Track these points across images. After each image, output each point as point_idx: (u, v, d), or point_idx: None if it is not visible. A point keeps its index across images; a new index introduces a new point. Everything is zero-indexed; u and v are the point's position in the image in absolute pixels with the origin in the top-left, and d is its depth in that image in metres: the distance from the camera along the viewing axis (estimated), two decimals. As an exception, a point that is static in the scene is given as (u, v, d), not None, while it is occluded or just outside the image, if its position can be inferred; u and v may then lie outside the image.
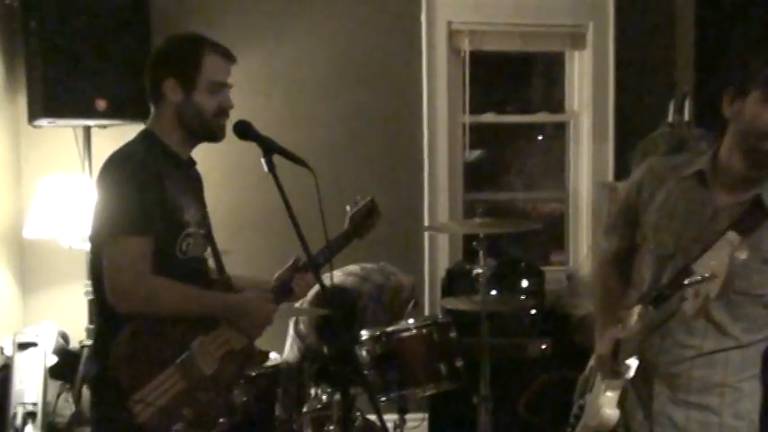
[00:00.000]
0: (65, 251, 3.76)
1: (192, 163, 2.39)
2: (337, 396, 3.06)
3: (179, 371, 2.12)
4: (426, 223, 4.46)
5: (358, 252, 2.88)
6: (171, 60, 2.26)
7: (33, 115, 3.67)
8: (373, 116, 4.41)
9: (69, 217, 3.71)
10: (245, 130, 2.19)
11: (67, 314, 3.99)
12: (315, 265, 2.25)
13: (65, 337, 4.01)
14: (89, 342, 3.75)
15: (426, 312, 4.35)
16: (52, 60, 3.55)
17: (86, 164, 3.83)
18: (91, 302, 3.77)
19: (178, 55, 2.26)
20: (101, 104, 3.60)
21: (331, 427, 3.07)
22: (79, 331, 3.85)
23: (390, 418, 3.28)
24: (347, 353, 2.88)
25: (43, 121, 3.65)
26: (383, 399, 3.10)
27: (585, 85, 4.66)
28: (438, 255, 4.52)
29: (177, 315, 2.16)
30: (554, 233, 4.92)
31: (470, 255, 3.80)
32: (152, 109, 2.31)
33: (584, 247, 4.73)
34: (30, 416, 3.63)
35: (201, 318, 2.20)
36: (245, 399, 3.10)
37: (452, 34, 4.48)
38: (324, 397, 3.19)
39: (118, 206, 2.13)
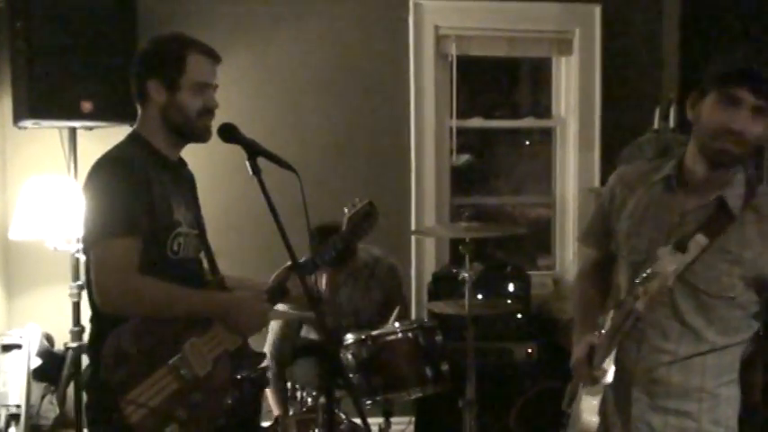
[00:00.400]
0: (50, 253, 3.74)
1: (183, 163, 2.40)
2: (322, 399, 3.05)
3: (171, 372, 2.12)
4: (413, 227, 4.47)
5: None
6: (154, 61, 2.26)
7: (18, 116, 3.65)
8: (361, 120, 4.42)
9: (54, 218, 3.69)
10: (229, 133, 2.20)
11: (52, 316, 3.98)
12: (300, 267, 2.25)
13: (49, 339, 3.99)
14: (74, 344, 3.74)
15: (413, 316, 4.35)
16: (38, 61, 3.53)
17: (72, 165, 3.81)
18: (75, 305, 3.76)
19: (162, 55, 2.26)
20: (86, 106, 3.58)
21: (316, 431, 3.06)
22: (64, 333, 3.83)
23: (376, 422, 3.28)
24: (332, 356, 2.87)
25: (28, 123, 3.63)
26: (368, 402, 3.09)
27: (572, 91, 4.68)
28: (425, 259, 4.53)
29: (164, 315, 2.15)
30: (541, 238, 4.94)
31: (457, 259, 3.80)
32: (138, 110, 2.32)
33: (570, 252, 4.75)
34: (13, 418, 3.61)
35: (194, 318, 2.20)
36: (229, 402, 3.09)
37: (440, 39, 4.49)
38: (309, 400, 3.19)
39: (103, 209, 2.14)
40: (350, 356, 3.11)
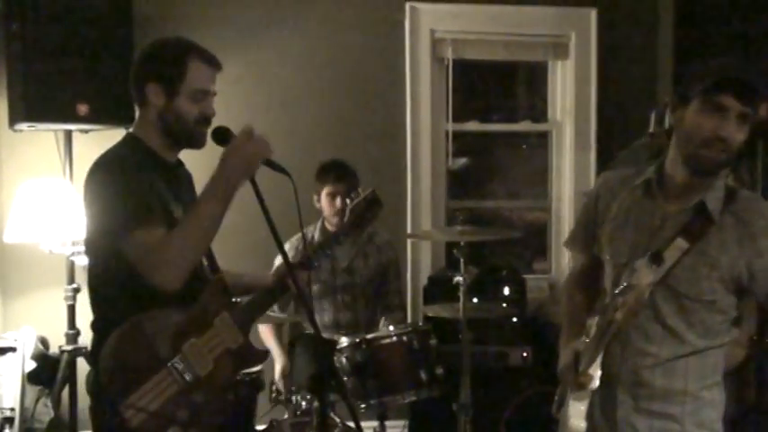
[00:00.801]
0: (45, 256, 3.74)
1: (180, 164, 2.39)
2: (316, 403, 3.05)
3: (171, 374, 2.11)
4: (409, 230, 4.47)
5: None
6: (155, 65, 2.25)
7: (14, 119, 3.65)
8: (357, 124, 4.42)
9: (50, 221, 3.68)
10: (223, 136, 2.19)
11: (47, 319, 3.97)
12: (298, 265, 2.29)
13: (44, 342, 3.99)
14: (69, 347, 3.73)
15: (408, 320, 4.35)
16: (34, 64, 3.53)
17: (67, 168, 3.81)
18: (71, 307, 3.75)
19: (163, 60, 2.25)
20: (82, 109, 3.58)
21: (310, 434, 3.06)
22: (59, 336, 3.82)
23: (371, 426, 3.28)
24: (326, 360, 2.87)
25: (24, 125, 3.63)
26: (363, 406, 3.09)
27: (568, 94, 4.69)
28: (421, 262, 4.53)
29: (210, 233, 2.14)
30: (537, 241, 4.94)
31: (453, 262, 3.81)
32: (137, 112, 2.32)
33: (566, 256, 4.75)
34: (7, 421, 3.60)
35: (195, 318, 2.18)
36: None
37: (436, 43, 4.50)
38: (303, 404, 3.19)
39: (118, 204, 2.11)
40: (344, 360, 3.11)
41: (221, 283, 2.29)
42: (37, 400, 3.81)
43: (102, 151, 2.27)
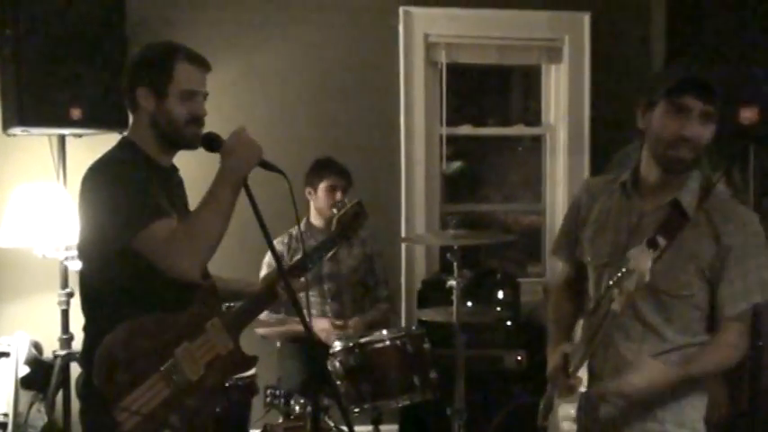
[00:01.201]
0: (38, 260, 3.73)
1: (174, 169, 2.40)
2: (310, 408, 3.06)
3: (164, 378, 2.11)
4: (403, 234, 4.47)
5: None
6: (143, 69, 2.27)
7: (7, 124, 3.65)
8: (351, 127, 4.43)
9: (43, 226, 3.68)
10: (212, 142, 2.20)
11: (41, 324, 3.96)
12: (289, 271, 2.31)
13: (38, 347, 3.97)
14: (62, 352, 3.73)
15: (403, 323, 4.35)
16: (27, 68, 3.51)
17: (61, 173, 3.81)
18: (64, 312, 3.75)
19: (150, 63, 2.26)
20: (75, 113, 3.57)
21: (304, 439, 3.06)
22: (52, 341, 3.81)
23: (365, 430, 3.29)
24: (319, 365, 2.88)
25: (17, 130, 3.62)
26: (356, 410, 3.10)
27: (562, 98, 4.70)
28: (415, 266, 4.53)
29: (223, 222, 2.13)
30: (531, 245, 4.95)
31: (447, 266, 3.81)
32: (130, 117, 2.32)
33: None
34: (1, 426, 3.59)
35: (187, 323, 2.19)
36: (218, 410, 3.09)
37: (429, 47, 4.51)
38: (296, 408, 3.19)
39: (125, 203, 2.12)
40: (337, 364, 3.11)
41: (212, 289, 2.30)
42: (30, 406, 3.80)
43: (96, 155, 2.28)
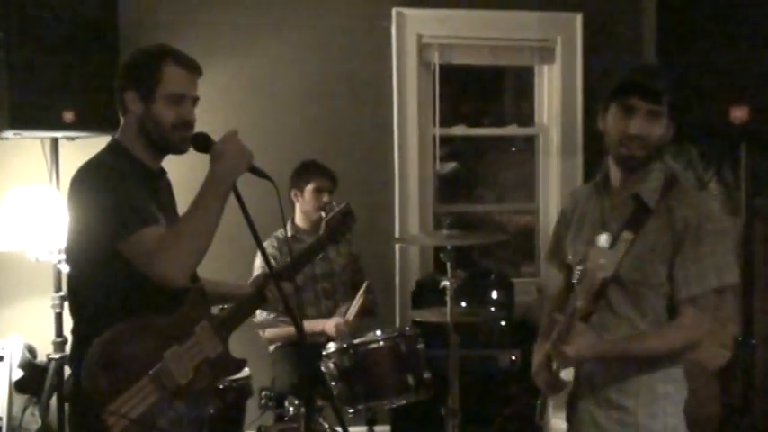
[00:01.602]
0: (31, 264, 3.72)
1: (163, 173, 2.39)
2: (304, 409, 3.06)
3: (153, 382, 2.11)
4: (397, 235, 4.48)
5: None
6: (132, 72, 2.27)
7: (-1, 127, 3.65)
8: (344, 128, 4.43)
9: (36, 229, 3.67)
10: (202, 143, 2.20)
11: (34, 327, 3.95)
12: (278, 274, 2.29)
13: (31, 350, 3.97)
14: (56, 356, 3.72)
15: (397, 324, 4.35)
16: (19, 71, 3.50)
17: (54, 176, 3.80)
18: (58, 315, 3.74)
19: (138, 67, 2.26)
20: (68, 116, 3.57)
21: (298, 440, 3.06)
22: (46, 345, 3.81)
23: (360, 430, 3.29)
24: (313, 366, 2.88)
25: (9, 133, 3.61)
26: (351, 411, 3.10)
27: (554, 98, 4.71)
28: (409, 266, 4.54)
29: (212, 226, 2.12)
30: (524, 245, 4.96)
31: (441, 266, 3.82)
32: (121, 120, 2.32)
33: (553, 259, 4.76)
34: (-6, 430, 3.59)
35: (176, 325, 2.19)
36: (212, 412, 3.08)
37: (422, 48, 4.51)
38: (291, 409, 3.18)
39: (113, 208, 2.11)
40: (331, 365, 3.12)
41: (201, 292, 2.30)
42: (24, 409, 3.79)
43: (88, 158, 2.28)
